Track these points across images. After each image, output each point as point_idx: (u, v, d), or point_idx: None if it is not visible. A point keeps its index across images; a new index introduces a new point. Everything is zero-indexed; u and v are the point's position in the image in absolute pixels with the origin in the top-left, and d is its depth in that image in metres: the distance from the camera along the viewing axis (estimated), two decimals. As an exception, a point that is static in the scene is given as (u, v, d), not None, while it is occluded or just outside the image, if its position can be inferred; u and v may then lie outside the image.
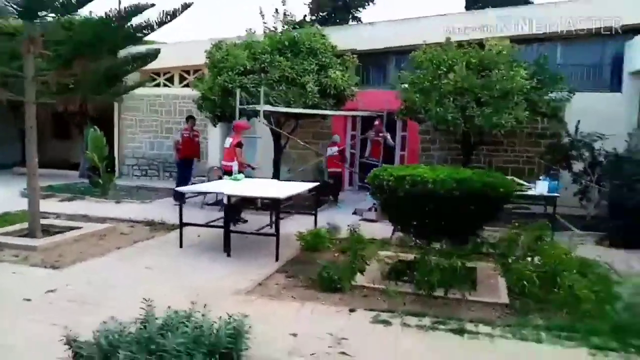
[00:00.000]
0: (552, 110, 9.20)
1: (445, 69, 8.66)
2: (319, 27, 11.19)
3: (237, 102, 8.62)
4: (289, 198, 7.27)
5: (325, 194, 10.09)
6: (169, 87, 14.19)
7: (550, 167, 8.99)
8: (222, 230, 6.65)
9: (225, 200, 6.41)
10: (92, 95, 7.31)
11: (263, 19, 10.22)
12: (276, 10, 10.37)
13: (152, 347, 3.03)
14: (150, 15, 7.12)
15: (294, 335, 4.00)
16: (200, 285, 5.17)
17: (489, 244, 6.31)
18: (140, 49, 11.89)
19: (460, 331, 4.16)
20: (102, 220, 8.54)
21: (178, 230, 6.97)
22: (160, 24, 6.78)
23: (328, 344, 3.86)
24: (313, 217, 7.53)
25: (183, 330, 3.20)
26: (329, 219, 7.57)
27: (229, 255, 6.39)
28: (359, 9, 26.40)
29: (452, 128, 8.67)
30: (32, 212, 7.29)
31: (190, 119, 10.75)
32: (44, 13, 6.79)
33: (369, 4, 26.13)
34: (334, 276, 5.15)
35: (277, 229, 6.19)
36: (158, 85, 14.34)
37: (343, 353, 3.73)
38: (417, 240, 5.66)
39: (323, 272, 5.19)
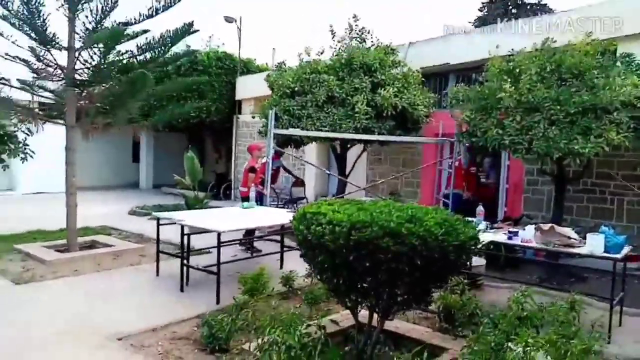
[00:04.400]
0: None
1: (509, 79, 6.70)
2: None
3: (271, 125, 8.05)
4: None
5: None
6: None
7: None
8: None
9: (181, 230, 5.89)
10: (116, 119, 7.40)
11: (333, 37, 9.49)
12: (350, 27, 9.56)
13: None
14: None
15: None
16: (91, 322, 4.79)
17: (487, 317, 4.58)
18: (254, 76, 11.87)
19: None
20: (149, 240, 8.82)
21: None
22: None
23: None
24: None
25: None
26: None
27: (182, 290, 5.84)
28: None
29: (517, 156, 6.62)
30: (69, 228, 7.89)
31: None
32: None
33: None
34: (218, 334, 4.19)
35: (218, 268, 5.40)
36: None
37: None
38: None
39: (203, 326, 4.26)
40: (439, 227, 3.59)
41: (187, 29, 6.79)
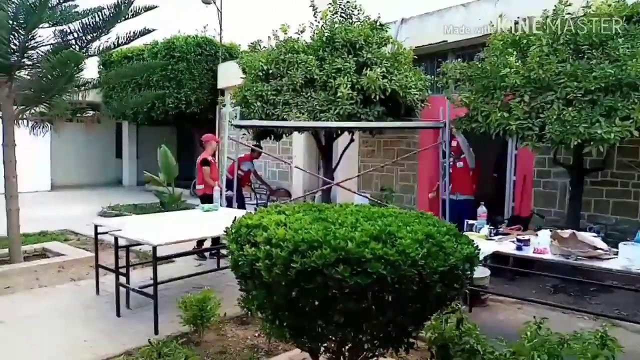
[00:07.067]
0: None
1: (514, 53, 5.60)
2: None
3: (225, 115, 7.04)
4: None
5: None
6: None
7: None
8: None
9: (115, 242, 4.86)
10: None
11: (314, 14, 8.34)
12: (333, 0, 8.40)
13: None
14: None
15: None
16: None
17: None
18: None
19: None
20: (108, 246, 7.81)
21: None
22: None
23: None
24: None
25: None
26: None
27: (118, 314, 4.81)
28: None
29: (526, 144, 5.51)
30: (11, 237, 6.87)
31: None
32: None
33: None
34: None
35: (155, 290, 4.36)
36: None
37: None
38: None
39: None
40: (418, 246, 2.53)
41: (130, 2, 5.69)
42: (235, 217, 3.25)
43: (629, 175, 7.17)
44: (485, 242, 4.39)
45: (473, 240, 3.01)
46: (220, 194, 6.98)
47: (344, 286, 2.37)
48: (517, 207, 8.28)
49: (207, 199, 7.19)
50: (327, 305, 2.48)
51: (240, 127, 8.09)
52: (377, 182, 10.24)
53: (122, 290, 4.95)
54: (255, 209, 8.70)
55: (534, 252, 4.04)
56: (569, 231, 3.93)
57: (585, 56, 5.33)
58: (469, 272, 2.75)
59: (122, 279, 4.98)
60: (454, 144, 7.58)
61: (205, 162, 7.21)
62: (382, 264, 2.39)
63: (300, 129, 7.84)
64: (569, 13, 5.66)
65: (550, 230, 4.22)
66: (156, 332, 4.32)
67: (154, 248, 4.27)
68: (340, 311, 2.47)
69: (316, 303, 2.49)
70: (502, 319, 4.94)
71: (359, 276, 2.37)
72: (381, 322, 2.59)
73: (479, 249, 2.97)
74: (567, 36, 5.42)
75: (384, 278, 2.38)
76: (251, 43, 8.47)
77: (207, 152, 7.35)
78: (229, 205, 8.01)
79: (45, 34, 6.38)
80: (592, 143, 4.92)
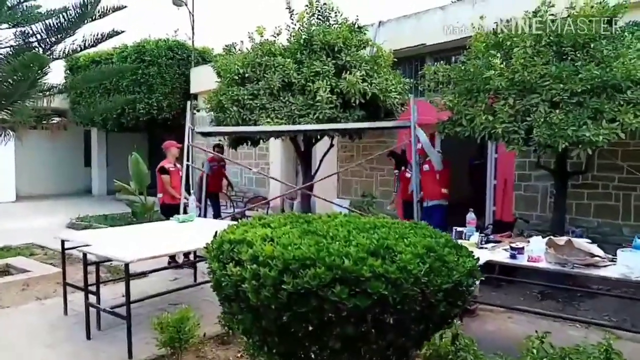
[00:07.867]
0: None
1: (498, 54, 5.49)
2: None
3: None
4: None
5: None
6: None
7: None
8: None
9: (83, 258, 4.52)
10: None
11: (291, 16, 8.12)
12: (310, 3, 8.19)
13: None
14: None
15: None
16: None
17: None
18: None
19: None
20: (76, 261, 7.39)
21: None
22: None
23: None
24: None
25: None
26: None
27: (89, 337, 4.47)
28: None
29: (512, 148, 5.39)
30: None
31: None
32: None
33: None
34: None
35: (128, 310, 4.04)
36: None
37: None
38: None
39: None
40: (419, 261, 2.32)
41: (97, 2, 5.37)
42: (217, 232, 2.99)
43: (610, 178, 7.16)
44: (478, 250, 4.22)
45: (473, 252, 2.82)
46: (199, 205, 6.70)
47: (342, 309, 2.15)
48: (499, 212, 8.21)
49: (167, 208, 6.91)
50: (322, 330, 2.25)
51: (204, 134, 7.85)
52: (357, 188, 10.07)
53: (92, 310, 4.60)
54: (235, 216, 8.43)
55: (528, 261, 3.88)
56: (565, 238, 3.79)
57: (569, 58, 5.25)
58: (472, 288, 2.57)
59: (92, 298, 4.63)
60: (418, 146, 7.20)
61: (163, 171, 6.93)
62: (383, 283, 2.17)
63: (273, 134, 7.57)
64: (551, 14, 5.58)
65: (543, 237, 4.09)
66: (130, 356, 4.00)
67: (127, 265, 3.95)
68: (336, 336, 2.24)
69: (310, 328, 2.25)
70: (493, 329, 4.78)
71: (357, 297, 2.15)
72: (381, 346, 2.37)
73: (478, 259, 2.78)
74: (550, 38, 5.32)
75: (385, 299, 2.17)
76: (226, 46, 8.18)
77: (168, 160, 7.08)
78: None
79: (5, 35, 6.01)
80: (580, 146, 4.83)
